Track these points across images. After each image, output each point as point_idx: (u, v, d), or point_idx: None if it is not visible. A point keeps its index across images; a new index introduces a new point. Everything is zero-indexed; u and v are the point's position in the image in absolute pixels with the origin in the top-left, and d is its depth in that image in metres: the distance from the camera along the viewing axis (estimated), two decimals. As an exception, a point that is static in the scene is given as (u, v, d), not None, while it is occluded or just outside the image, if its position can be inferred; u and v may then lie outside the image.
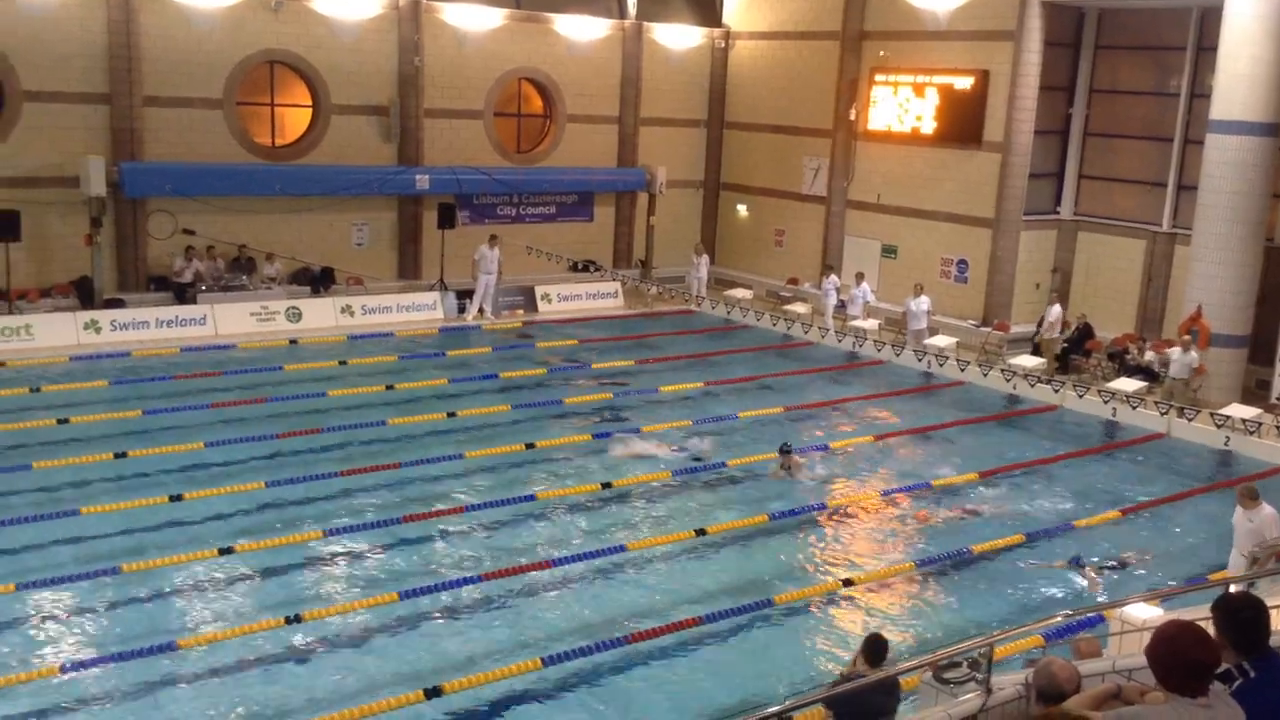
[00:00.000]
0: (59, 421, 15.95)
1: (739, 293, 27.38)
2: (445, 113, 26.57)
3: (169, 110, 23.17)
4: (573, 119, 28.70)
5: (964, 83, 24.98)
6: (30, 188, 21.74)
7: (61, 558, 11.90)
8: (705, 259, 27.95)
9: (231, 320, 22.23)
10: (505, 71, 27.44)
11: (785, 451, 15.61)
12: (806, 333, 24.40)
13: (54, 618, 10.73)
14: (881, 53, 26.73)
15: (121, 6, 22.19)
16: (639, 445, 16.49)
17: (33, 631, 10.46)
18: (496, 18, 26.92)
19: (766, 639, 11.13)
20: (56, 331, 20.56)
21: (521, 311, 25.62)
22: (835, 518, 14.34)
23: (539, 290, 26.16)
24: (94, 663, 9.84)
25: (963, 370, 21.58)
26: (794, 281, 28.36)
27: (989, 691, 6.28)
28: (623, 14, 29.09)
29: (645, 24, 29.33)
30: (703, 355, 22.54)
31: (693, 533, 13.33)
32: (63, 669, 9.69)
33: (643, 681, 10.15)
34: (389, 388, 18.84)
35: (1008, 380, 20.89)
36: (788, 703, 7.35)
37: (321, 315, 23.31)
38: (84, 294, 22.01)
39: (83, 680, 9.60)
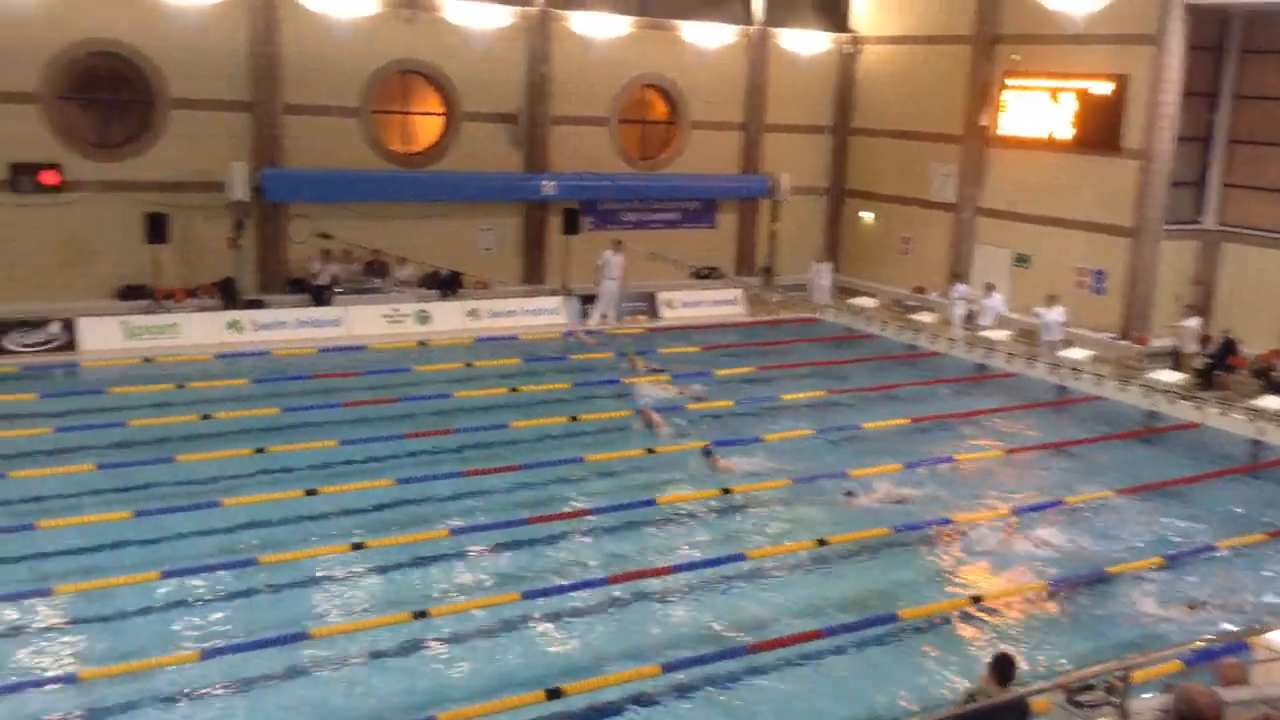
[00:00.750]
0: (202, 417, 16.65)
1: (863, 301, 27.03)
2: (571, 119, 26.90)
3: (308, 118, 23.98)
4: (697, 125, 28.75)
5: (1102, 88, 24.22)
6: (178, 192, 22.75)
7: (203, 547, 12.39)
8: (828, 266, 27.68)
9: (364, 322, 22.90)
10: (630, 78, 27.65)
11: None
12: (933, 343, 23.96)
13: (194, 604, 11.17)
14: (1015, 56, 26.09)
15: (265, 18, 23.07)
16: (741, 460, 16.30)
17: (174, 617, 10.90)
18: (623, 25, 27.14)
19: (889, 655, 10.95)
20: (201, 330, 21.47)
21: (644, 317, 25.75)
22: (962, 533, 14.02)
23: (661, 296, 26.28)
24: (232, 649, 10.21)
25: (1098, 384, 20.90)
26: (920, 290, 27.88)
27: (1125, 716, 6.07)
28: (749, 20, 29.03)
29: (771, 30, 29.22)
30: (825, 363, 22.33)
31: (814, 542, 13.20)
32: (203, 655, 10.08)
33: (761, 693, 10.09)
34: (513, 390, 19.14)
35: (1146, 396, 20.15)
36: (913, 720, 7.22)
37: (449, 318, 23.84)
38: (227, 295, 22.92)
39: (220, 665, 9.96)
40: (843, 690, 10.20)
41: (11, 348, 19.95)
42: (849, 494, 14.81)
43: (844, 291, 28.33)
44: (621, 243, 25.30)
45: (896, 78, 29.28)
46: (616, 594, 11.77)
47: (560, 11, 26.29)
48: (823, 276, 27.37)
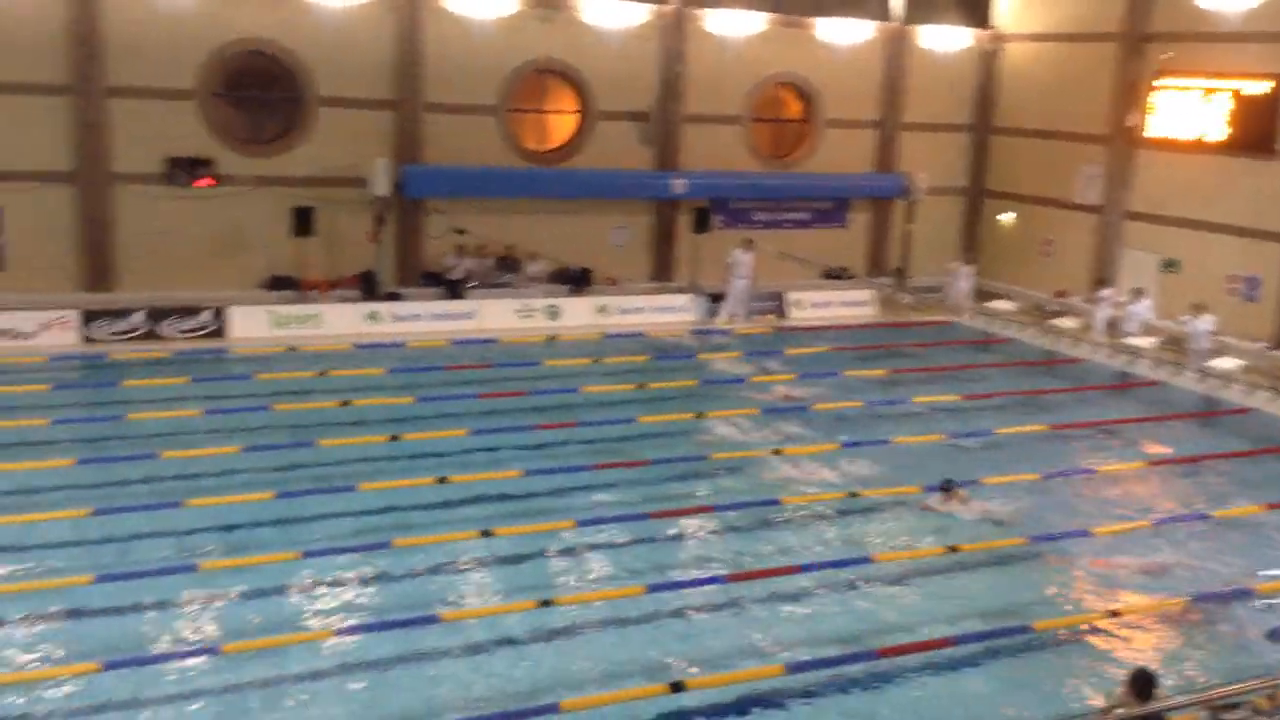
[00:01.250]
0: (342, 404, 17.19)
1: (1001, 304, 26.34)
2: (703, 118, 26.89)
3: (447, 116, 24.52)
4: (831, 123, 28.43)
5: (1259, 87, 23.07)
6: (324, 187, 23.53)
7: (339, 529, 12.79)
8: (970, 269, 27.03)
9: (496, 316, 23.33)
10: (764, 76, 27.50)
11: (945, 488, 14.31)
12: (1074, 349, 23.20)
13: (331, 584, 11.53)
14: (1166, 55, 25.07)
15: (409, 18, 23.68)
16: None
17: (311, 596, 11.28)
18: (758, 23, 27.01)
19: (1021, 666, 10.66)
20: (342, 321, 22.17)
21: (772, 316, 25.61)
22: (1100, 544, 13.54)
23: (790, 296, 26.09)
24: (364, 629, 10.52)
25: (1249, 395, 19.94)
26: (1062, 294, 27.02)
27: (1275, 739, 5.79)
28: (887, 16, 28.55)
29: (910, 26, 28.70)
30: (960, 367, 21.83)
31: (944, 549, 12.93)
32: (336, 632, 10.41)
33: (888, 699, 9.93)
34: (640, 386, 19.24)
35: (1301, 408, 19.17)
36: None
37: (579, 313, 24.11)
38: (367, 287, 23.60)
39: (353, 644, 10.28)
40: (972, 700, 9.98)
41: (167, 334, 20.95)
42: (948, 487, 14.24)
43: (981, 295, 27.64)
44: (752, 241, 25.20)
45: (1040, 76, 28.44)
46: (740, 591, 11.72)
47: (696, 10, 26.31)
48: (962, 279, 26.75)
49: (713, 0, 26.44)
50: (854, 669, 10.23)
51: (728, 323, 24.46)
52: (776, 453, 16.03)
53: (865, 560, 12.54)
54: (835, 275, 28.41)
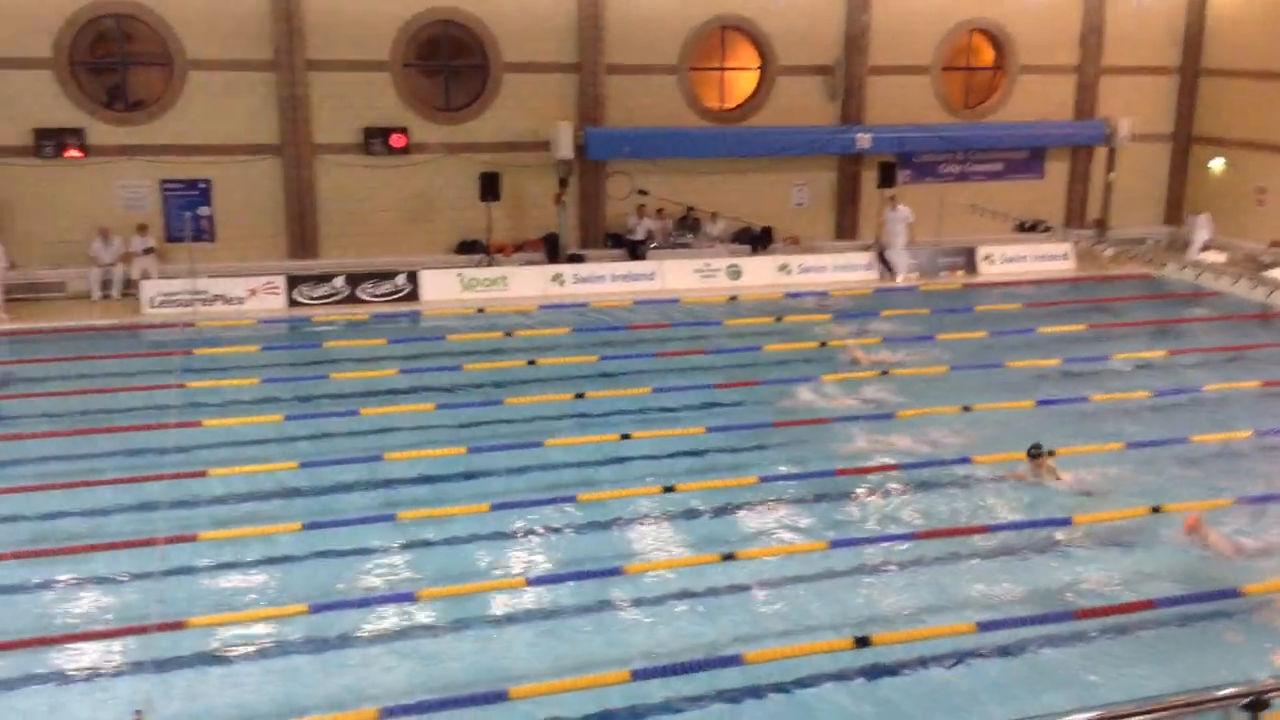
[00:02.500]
0: (528, 363, 17.60)
1: (1210, 255, 24.73)
2: (890, 69, 26.14)
3: (629, 77, 24.61)
4: (1025, 70, 27.18)
5: None
6: (509, 151, 24.04)
7: (526, 484, 13.11)
8: (1206, 217, 25.38)
9: (677, 276, 23.38)
10: (955, 24, 26.50)
11: (1034, 455, 13.25)
12: (1292, 302, 21.62)
13: (520, 535, 11.84)
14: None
15: (590, -20, 23.84)
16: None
17: (501, 546, 11.61)
18: (949, -32, 26.02)
19: (1226, 631, 10.04)
20: (527, 283, 22.65)
21: (961, 273, 24.80)
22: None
23: (981, 250, 25.19)
24: (553, 579, 10.77)
25: None
26: (1277, 244, 25.16)
27: None
28: (1086, -45, 27.05)
29: (1112, -36, 27.10)
30: (1165, 322, 20.66)
31: (1148, 509, 12.27)
32: (527, 581, 10.70)
33: (1084, 659, 9.52)
34: (822, 345, 18.97)
35: None
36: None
37: (760, 273, 23.92)
38: (551, 249, 24.04)
39: (543, 593, 10.53)
40: (1171, 664, 9.45)
41: (364, 297, 21.87)
42: (1037, 453, 13.16)
43: (1184, 246, 26.04)
44: (895, 197, 24.48)
45: (1256, 14, 26.39)
46: (928, 550, 11.44)
47: (881, -43, 25.55)
48: (1201, 229, 25.15)
49: (899, -54, 25.62)
50: (1048, 630, 9.85)
51: (907, 280, 23.80)
52: (966, 409, 15.53)
53: (1065, 521, 12.03)
54: (1030, 228, 27.22)
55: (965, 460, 13.74)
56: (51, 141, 21.63)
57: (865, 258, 24.65)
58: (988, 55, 27.39)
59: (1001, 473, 13.41)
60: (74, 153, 21.76)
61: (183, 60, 22.16)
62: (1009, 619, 9.92)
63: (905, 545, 11.53)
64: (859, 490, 13.04)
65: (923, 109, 26.61)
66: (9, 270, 20.73)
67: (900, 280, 23.88)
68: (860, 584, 10.86)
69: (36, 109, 21.52)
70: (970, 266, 24.97)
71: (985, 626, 9.75)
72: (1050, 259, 25.55)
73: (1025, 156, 27.66)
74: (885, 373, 17.29)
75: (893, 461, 13.75)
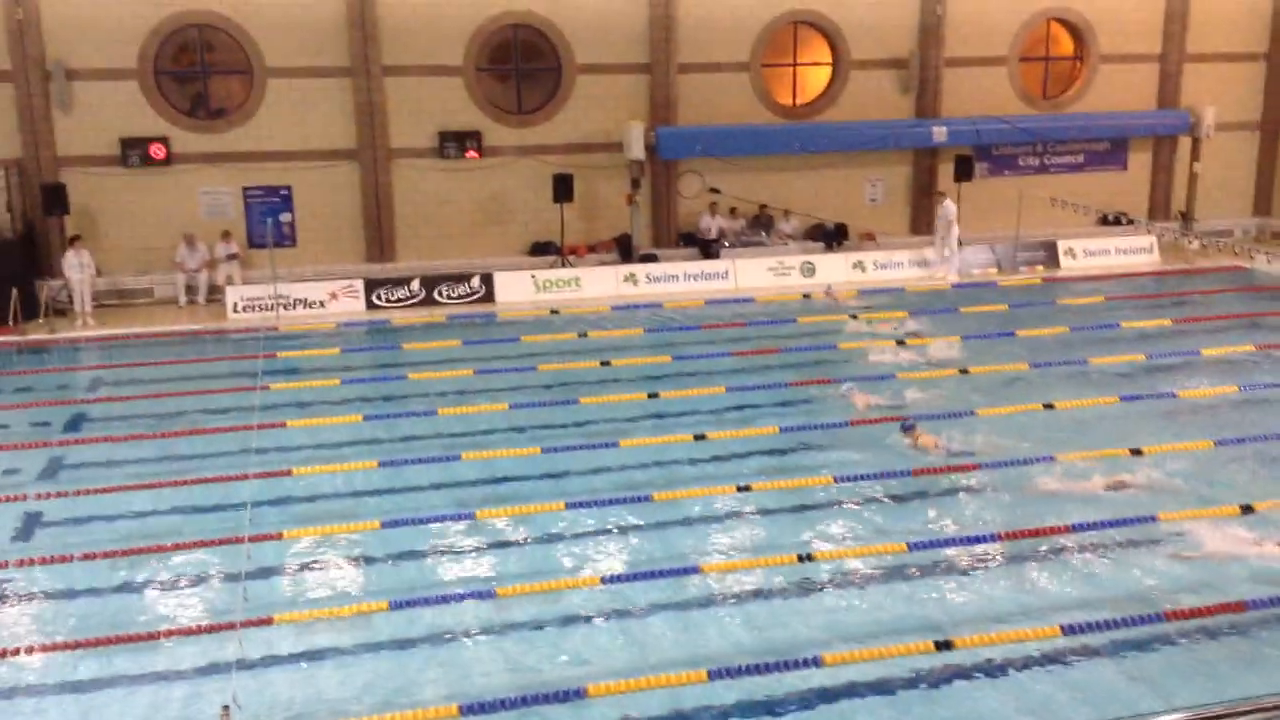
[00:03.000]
0: (601, 364, 17.65)
1: (1302, 247, 24.01)
2: (966, 61, 25.78)
3: (700, 76, 24.59)
4: (1106, 59, 26.62)
5: None
6: (582, 153, 24.16)
7: (602, 483, 13.14)
8: None
9: (750, 274, 23.30)
10: (1033, 13, 26.05)
11: (907, 429, 14.00)
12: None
13: (595, 534, 11.87)
14: None
15: (661, -20, 23.84)
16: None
17: (578, 544, 11.65)
18: (1025, -43, 25.58)
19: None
20: (600, 283, 22.75)
21: (1042, 267, 24.37)
22: None
23: (1062, 245, 24.74)
24: (629, 578, 10.76)
25: None
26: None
27: None
28: (1169, -60, 26.40)
29: (1196, -51, 26.41)
30: (1255, 315, 20.05)
31: (1238, 509, 11.91)
32: (602, 580, 10.71)
33: (1177, 665, 9.26)
34: (899, 343, 18.74)
35: None
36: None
37: (834, 270, 23.74)
38: (623, 249, 24.11)
39: (619, 592, 10.54)
40: (1263, 668, 9.16)
41: (440, 299, 22.14)
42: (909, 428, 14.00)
43: (1273, 237, 25.27)
44: (944, 193, 24.10)
45: (1351, -9, 25.56)
46: (1010, 550, 11.23)
47: (957, -52, 25.19)
48: None
49: (974, -64, 25.24)
50: (1134, 632, 9.60)
51: (959, 277, 23.47)
52: (1048, 407, 15.23)
53: (1150, 519, 11.72)
54: (1113, 221, 26.67)
55: (1048, 459, 13.45)
56: (137, 150, 22.24)
57: (943, 253, 24.30)
58: (1067, 45, 26.87)
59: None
60: (159, 161, 22.33)
61: (262, 68, 22.63)
62: (1094, 622, 9.69)
63: (986, 546, 11.33)
64: (937, 490, 12.85)
65: (1000, 101, 26.19)
66: (97, 277, 21.34)
67: (947, 277, 23.44)
68: (940, 585, 10.69)
69: (122, 119, 22.13)
70: (1051, 261, 24.52)
71: (1069, 630, 9.54)
72: (1134, 253, 25.00)
73: (1107, 148, 27.09)
74: (964, 370, 17.02)
75: (972, 461, 13.53)
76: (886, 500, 12.60)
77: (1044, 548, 11.31)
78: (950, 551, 11.23)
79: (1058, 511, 12.14)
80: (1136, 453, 13.54)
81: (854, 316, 20.18)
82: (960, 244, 23.74)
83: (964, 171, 25.00)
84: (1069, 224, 25.73)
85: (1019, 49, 26.27)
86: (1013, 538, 11.41)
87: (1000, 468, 13.25)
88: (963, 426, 14.59)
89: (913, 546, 11.25)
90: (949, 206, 23.53)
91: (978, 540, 11.42)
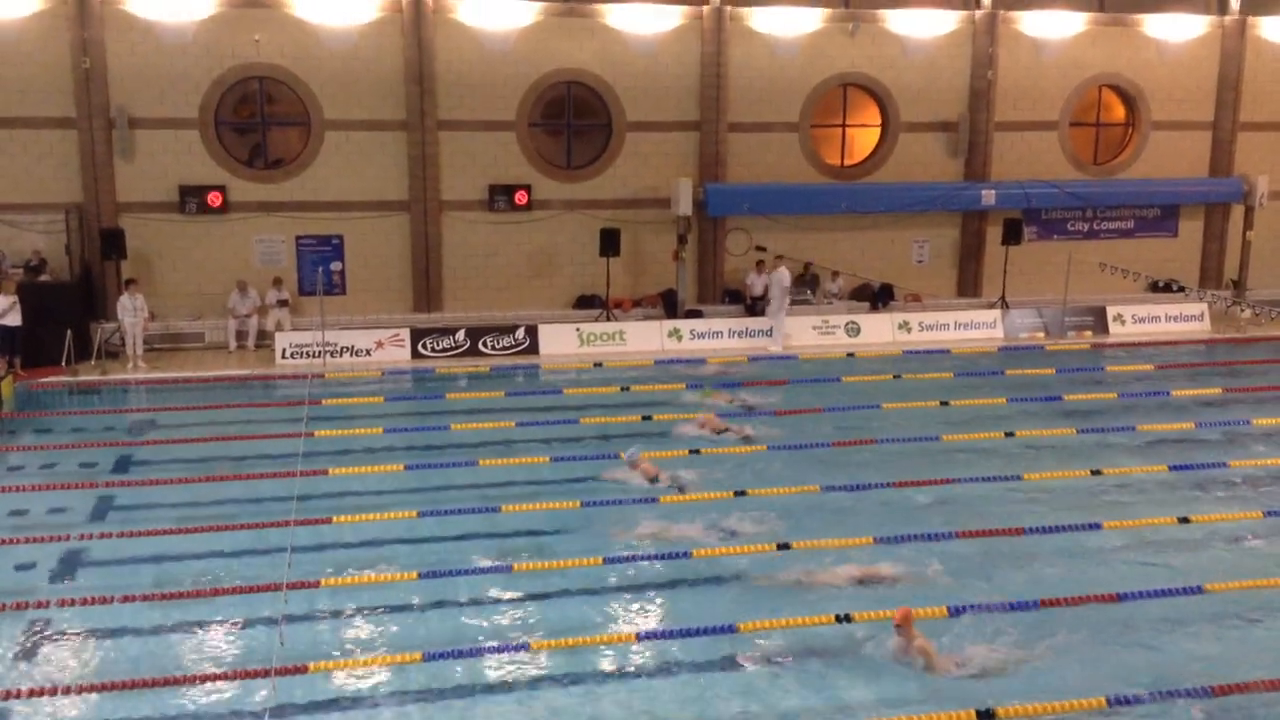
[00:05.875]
0: (643, 418, 17.62)
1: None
2: (1016, 125, 25.79)
3: (749, 135, 24.79)
4: (1158, 126, 26.51)
5: None
6: (630, 208, 24.37)
7: (640, 538, 13.03)
8: None
9: (795, 332, 23.24)
10: (1084, 79, 26.06)
11: (632, 463, 14.68)
12: None
13: (632, 589, 11.76)
14: None
15: (715, 40, 24.13)
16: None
17: (614, 600, 11.52)
18: (1077, 23, 25.64)
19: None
20: (644, 338, 22.82)
21: (1090, 333, 24.10)
22: None
23: (1111, 310, 24.48)
24: (665, 635, 10.62)
25: None
26: None
27: None
28: (1223, 10, 26.35)
29: (1250, 18, 26.32)
30: (1309, 387, 19.70)
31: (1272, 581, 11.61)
32: (638, 636, 10.59)
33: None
34: (944, 404, 18.58)
35: None
36: None
37: (879, 330, 23.65)
38: (668, 304, 24.18)
39: (655, 649, 10.41)
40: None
41: (485, 350, 22.29)
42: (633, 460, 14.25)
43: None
44: (781, 257, 23.90)
45: None
46: (1054, 617, 10.99)
47: (1010, 13, 25.29)
48: None
49: (1029, 2, 25.35)
50: (1182, 706, 9.34)
51: (782, 349, 22.80)
52: (1095, 473, 14.99)
53: (1195, 589, 11.44)
54: (1163, 287, 26.39)
55: (1095, 527, 13.23)
56: (195, 198, 22.73)
57: (989, 315, 24.17)
58: (1118, 111, 26.82)
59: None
60: (215, 209, 22.79)
61: (320, 121, 23.10)
62: (1140, 695, 9.45)
63: (1031, 613, 11.10)
64: (982, 553, 12.64)
65: (1050, 165, 26.14)
66: (150, 321, 21.72)
67: (769, 348, 22.88)
68: (985, 650, 10.48)
69: (181, 167, 22.66)
70: (1100, 327, 24.26)
71: (1116, 701, 9.30)
72: (1184, 320, 24.70)
73: (1157, 214, 26.90)
74: (1010, 434, 16.82)
75: (1018, 525, 13.32)
76: (931, 562, 12.37)
77: (1091, 615, 11.03)
78: (996, 617, 10.99)
79: (1107, 578, 11.89)
80: (1184, 521, 13.27)
81: (701, 387, 19.38)
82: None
83: (1013, 235, 24.91)
84: (1118, 290, 25.51)
85: (1070, 114, 26.25)
86: (1058, 605, 11.15)
87: (1047, 533, 13.00)
88: (1009, 490, 14.39)
89: (954, 611, 11.03)
90: (783, 273, 23.11)
91: (1023, 607, 11.16)
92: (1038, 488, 14.66)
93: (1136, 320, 24.54)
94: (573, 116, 24.57)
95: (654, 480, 14.74)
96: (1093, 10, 25.86)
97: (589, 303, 24.34)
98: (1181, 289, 26.11)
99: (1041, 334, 23.98)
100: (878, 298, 25.24)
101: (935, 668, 10.00)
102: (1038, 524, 13.32)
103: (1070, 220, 26.51)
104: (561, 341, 22.59)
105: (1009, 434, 16.84)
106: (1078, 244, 25.95)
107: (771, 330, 23.07)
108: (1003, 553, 12.73)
